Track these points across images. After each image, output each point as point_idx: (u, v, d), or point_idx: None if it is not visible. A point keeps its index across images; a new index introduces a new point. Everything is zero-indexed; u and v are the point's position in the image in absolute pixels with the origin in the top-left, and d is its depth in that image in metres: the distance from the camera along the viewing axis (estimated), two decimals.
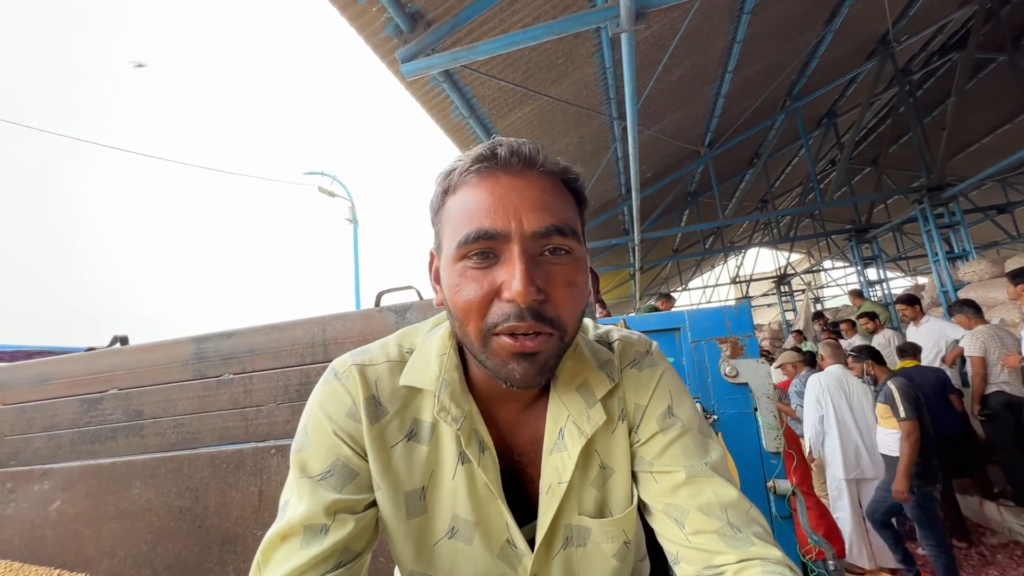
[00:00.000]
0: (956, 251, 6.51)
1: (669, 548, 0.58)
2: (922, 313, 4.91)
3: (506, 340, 0.50)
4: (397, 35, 3.13)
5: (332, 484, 0.54)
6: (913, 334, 4.90)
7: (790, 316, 12.93)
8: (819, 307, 13.35)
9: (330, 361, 1.07)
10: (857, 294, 7.05)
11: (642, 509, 0.62)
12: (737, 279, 14.52)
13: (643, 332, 1.56)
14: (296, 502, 0.53)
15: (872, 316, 5.72)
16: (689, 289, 16.18)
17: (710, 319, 1.57)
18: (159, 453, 1.18)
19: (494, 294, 0.51)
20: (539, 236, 0.51)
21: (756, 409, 1.48)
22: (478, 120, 4.19)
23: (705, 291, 16.39)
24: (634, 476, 0.62)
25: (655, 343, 0.70)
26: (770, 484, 1.44)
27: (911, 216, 6.96)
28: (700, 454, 0.59)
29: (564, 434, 0.59)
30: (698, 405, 1.50)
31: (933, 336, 4.60)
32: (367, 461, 0.57)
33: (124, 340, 1.33)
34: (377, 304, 1.14)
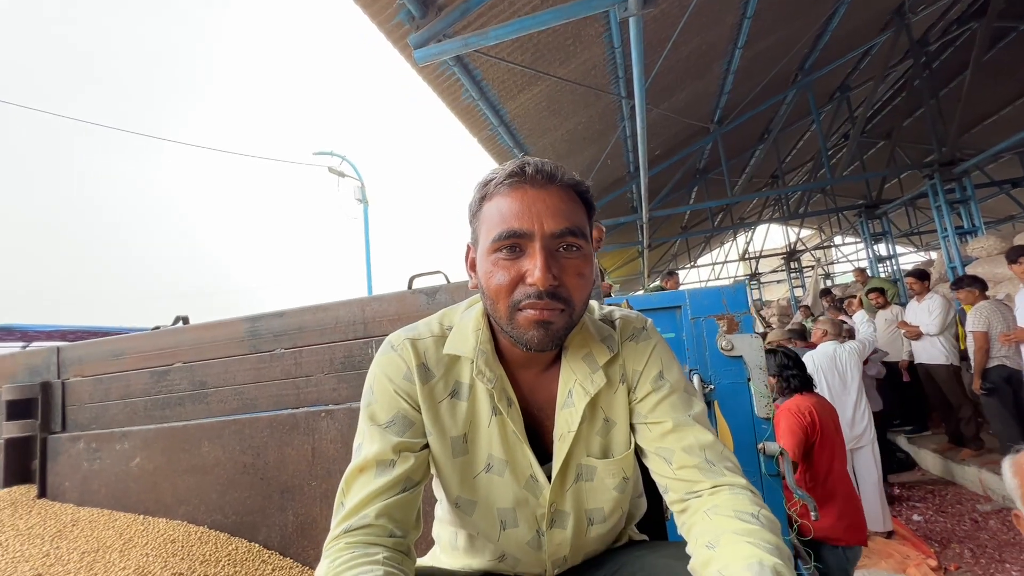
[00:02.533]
0: (967, 226, 6.51)
1: (659, 481, 0.73)
2: (928, 289, 4.99)
3: (529, 312, 0.65)
4: (409, 21, 3.21)
5: (395, 430, 0.70)
6: (914, 309, 4.99)
7: (799, 292, 12.95)
8: (829, 283, 13.34)
9: (369, 337, 1.24)
10: (861, 271, 7.09)
11: (639, 453, 0.78)
12: (746, 256, 14.49)
13: (647, 309, 1.71)
14: (368, 444, 0.70)
15: (881, 291, 5.79)
16: (698, 266, 16.16)
17: (708, 297, 1.71)
18: (223, 417, 1.36)
19: (519, 279, 0.66)
20: (556, 236, 0.66)
21: (749, 379, 1.63)
22: (488, 102, 4.26)
23: (714, 268, 16.38)
24: (632, 427, 0.77)
25: (650, 321, 0.84)
26: (760, 446, 1.60)
27: (922, 191, 6.93)
28: (685, 408, 0.74)
29: (572, 394, 0.75)
30: (696, 375, 1.65)
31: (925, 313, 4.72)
32: (420, 413, 0.73)
33: (185, 320, 1.50)
34: (409, 287, 1.29)
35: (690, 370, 1.68)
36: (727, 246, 16.36)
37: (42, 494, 1.45)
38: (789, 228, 14.07)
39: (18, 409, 1.49)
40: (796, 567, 1.62)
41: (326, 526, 0.95)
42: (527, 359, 0.76)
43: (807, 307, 8.68)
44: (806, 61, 6.86)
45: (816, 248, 13.42)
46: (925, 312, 4.83)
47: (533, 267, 0.65)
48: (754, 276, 15.36)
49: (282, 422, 1.30)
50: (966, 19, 6.75)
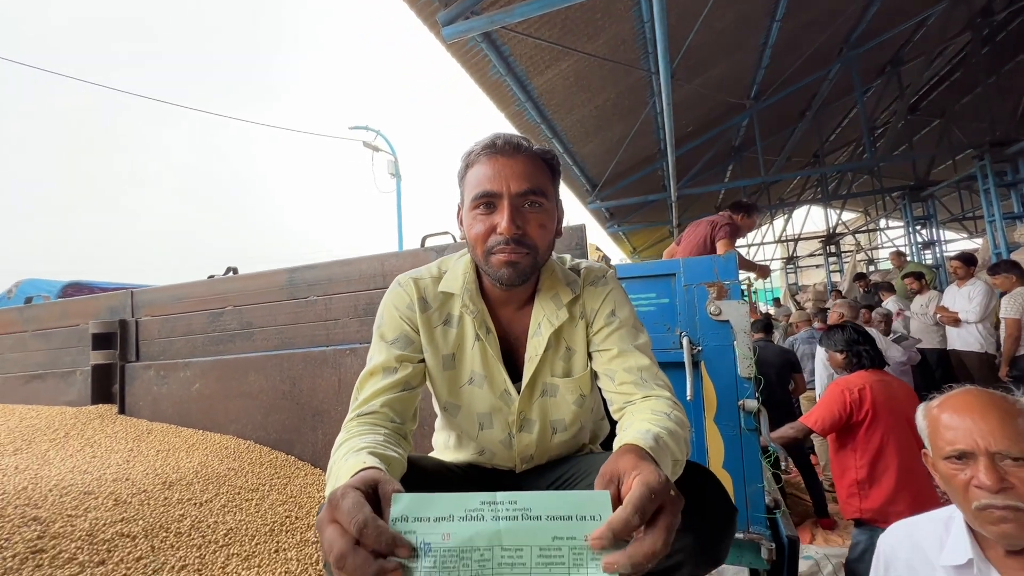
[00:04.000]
0: (1017, 211, 6.21)
1: (606, 396, 0.90)
2: (973, 275, 4.80)
3: (500, 255, 0.82)
4: None
5: (399, 346, 0.90)
6: (952, 294, 4.84)
7: (836, 278, 12.56)
8: (871, 268, 12.85)
9: (387, 287, 1.45)
10: (898, 254, 6.87)
11: (595, 376, 0.95)
12: (783, 238, 14.08)
13: (642, 276, 1.84)
14: (377, 355, 0.89)
15: (918, 276, 5.64)
16: (735, 248, 15.78)
17: (700, 266, 1.83)
18: (266, 352, 1.60)
19: (492, 230, 0.83)
20: (520, 195, 0.82)
21: (735, 341, 1.76)
22: (515, 78, 4.35)
23: (750, 250, 16.00)
24: (589, 355, 0.94)
25: (612, 270, 1.00)
26: (741, 403, 1.74)
27: (970, 173, 6.61)
28: (631, 339, 0.90)
29: (541, 326, 0.92)
30: (686, 338, 1.79)
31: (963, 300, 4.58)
32: (419, 335, 0.92)
33: (235, 270, 1.75)
34: (422, 245, 1.49)
35: (680, 332, 1.82)
36: (764, 228, 15.90)
37: (121, 411, 1.75)
38: (830, 210, 13.53)
39: (101, 341, 1.78)
40: (777, 525, 1.76)
41: None
42: (505, 297, 0.93)
43: (839, 292, 8.48)
44: (852, 34, 6.55)
45: (857, 231, 12.88)
46: (965, 298, 4.67)
47: (502, 220, 0.82)
48: (791, 260, 14.94)
49: (314, 358, 1.53)
50: None
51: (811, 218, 14.54)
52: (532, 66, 4.39)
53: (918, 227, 9.28)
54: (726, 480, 1.75)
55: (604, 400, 0.99)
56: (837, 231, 12.82)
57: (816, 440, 3.79)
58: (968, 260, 4.78)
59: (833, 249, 12.75)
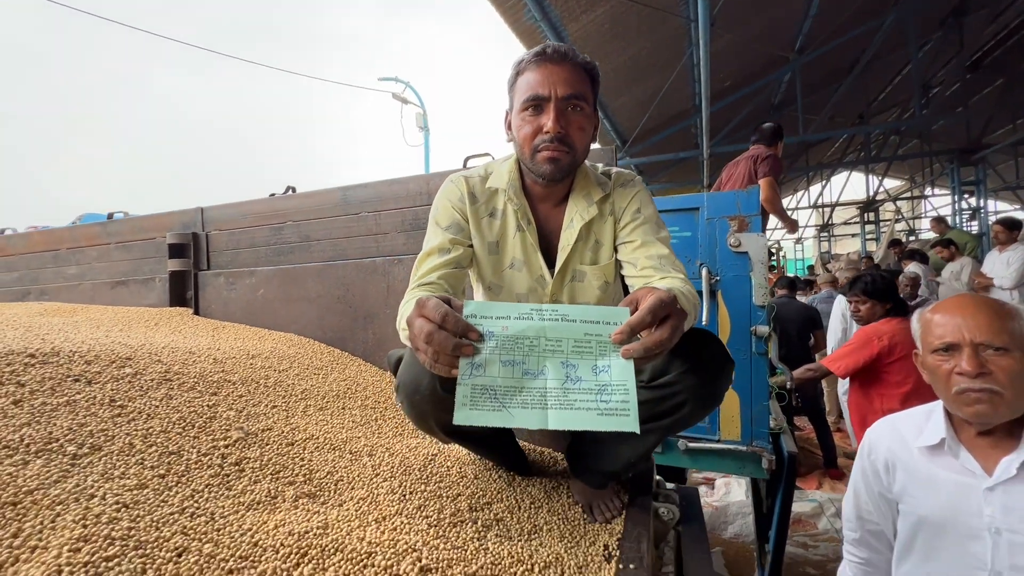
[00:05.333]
0: None
1: (628, 282, 1.05)
2: (1015, 240, 4.65)
3: (544, 152, 0.95)
4: None
5: (452, 231, 1.06)
6: (993, 260, 4.73)
7: (873, 247, 12.19)
8: (911, 238, 12.42)
9: (431, 204, 1.59)
10: (939, 220, 6.66)
11: (619, 266, 1.09)
12: (819, 204, 13.63)
13: (668, 210, 1.94)
14: (433, 238, 1.05)
15: (946, 244, 5.50)
16: (776, 188, 15.32)
17: (724, 200, 1.92)
18: (322, 262, 1.79)
19: (539, 130, 0.96)
20: (565, 99, 0.95)
21: (751, 272, 1.87)
22: (549, 23, 4.32)
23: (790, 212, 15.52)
24: (615, 248, 1.08)
25: (639, 177, 1.12)
26: (753, 328, 1.86)
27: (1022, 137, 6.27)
28: (653, 233, 1.04)
29: (573, 220, 1.06)
30: (705, 268, 1.91)
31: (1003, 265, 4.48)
32: (468, 224, 1.07)
33: (293, 189, 1.93)
34: (464, 166, 1.62)
35: (700, 263, 1.93)
36: (800, 194, 15.37)
37: (196, 312, 1.99)
38: (872, 176, 12.96)
39: (177, 251, 2.00)
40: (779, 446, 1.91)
41: (397, 342, 1.26)
42: (544, 194, 1.07)
43: (870, 258, 8.30)
44: None
45: (898, 198, 12.36)
46: (1004, 264, 4.57)
47: (548, 120, 0.94)
48: (825, 227, 14.51)
49: (365, 267, 1.71)
50: None
51: (850, 185, 13.97)
52: (567, 11, 4.34)
53: (965, 194, 8.89)
54: (735, 400, 1.90)
55: (627, 289, 1.13)
56: (877, 197, 12.34)
57: (826, 389, 3.88)
58: (1011, 224, 4.63)
59: (871, 217, 12.34)
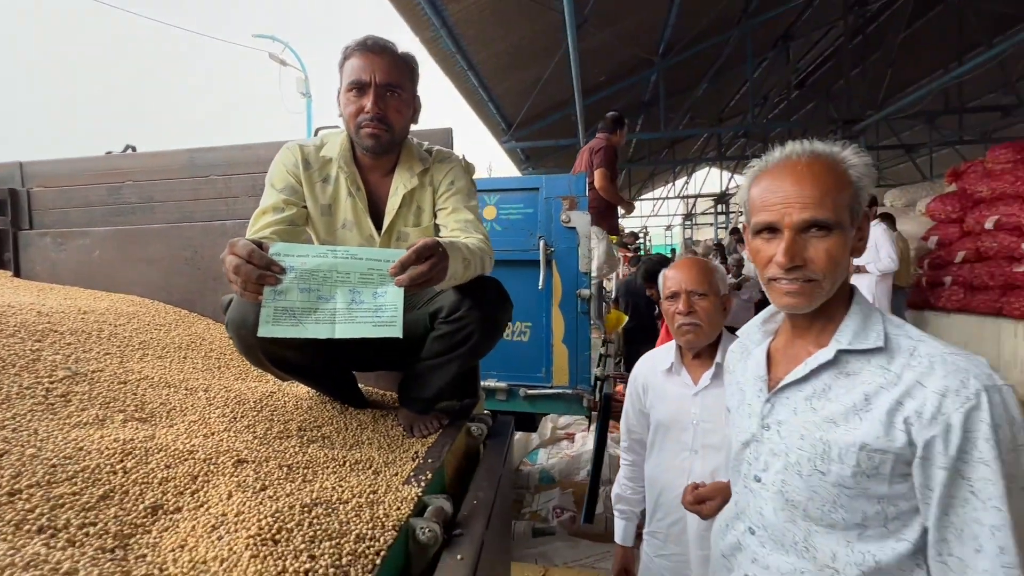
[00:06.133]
0: None
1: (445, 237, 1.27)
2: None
3: (366, 129, 1.13)
4: None
5: (286, 192, 1.19)
6: None
7: (723, 234, 14.09)
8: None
9: None
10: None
11: (437, 230, 1.30)
12: (683, 195, 15.32)
13: (512, 189, 2.22)
14: (268, 198, 1.18)
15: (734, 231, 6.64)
16: (640, 199, 16.86)
17: (559, 183, 2.25)
18: (168, 224, 1.79)
19: (361, 110, 1.13)
20: (383, 86, 1.12)
21: (578, 245, 2.23)
22: (430, 1, 4.39)
23: (655, 204, 17.21)
24: (435, 214, 1.30)
25: (457, 155, 1.35)
26: (578, 292, 2.23)
27: None
28: (464, 202, 1.27)
29: (398, 188, 1.25)
30: (543, 240, 2.22)
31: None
32: (302, 187, 1.21)
33: (133, 148, 1.86)
34: (315, 135, 1.72)
35: (539, 237, 2.24)
36: (669, 186, 17.10)
37: (16, 275, 1.85)
38: (725, 172, 14.84)
39: None
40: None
41: None
42: (373, 164, 1.25)
43: (720, 244, 9.66)
44: (751, 3, 7.16)
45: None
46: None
47: (368, 103, 1.12)
48: (689, 216, 16.35)
49: (214, 229, 1.75)
50: None
51: (710, 178, 15.84)
52: None
53: None
54: (563, 352, 2.26)
55: None
56: (728, 191, 14.21)
57: None
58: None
59: (722, 208, 14.19)
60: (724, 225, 14.45)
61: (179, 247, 1.77)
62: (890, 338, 0.74)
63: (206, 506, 0.75)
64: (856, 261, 5.02)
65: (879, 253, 4.33)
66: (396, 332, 0.84)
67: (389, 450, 1.14)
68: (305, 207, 1.22)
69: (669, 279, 1.31)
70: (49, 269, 1.84)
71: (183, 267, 1.77)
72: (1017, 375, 4.16)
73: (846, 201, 0.72)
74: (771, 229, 0.75)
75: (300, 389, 1.32)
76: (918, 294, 5.41)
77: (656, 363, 1.38)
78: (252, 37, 10.22)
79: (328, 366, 1.23)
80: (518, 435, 3.74)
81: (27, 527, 0.63)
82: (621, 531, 1.44)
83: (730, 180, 14.44)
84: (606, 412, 2.29)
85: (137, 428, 0.91)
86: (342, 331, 0.82)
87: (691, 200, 15.76)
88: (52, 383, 0.97)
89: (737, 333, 0.99)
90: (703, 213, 16.87)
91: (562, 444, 4.42)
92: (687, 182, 15.61)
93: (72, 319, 1.29)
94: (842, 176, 0.73)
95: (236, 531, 0.68)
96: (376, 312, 0.84)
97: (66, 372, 1.01)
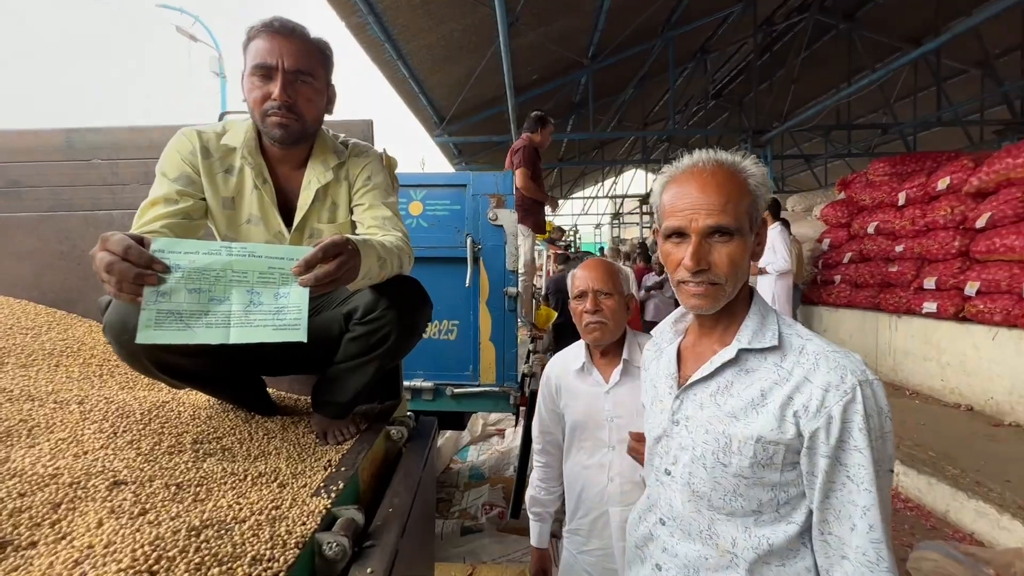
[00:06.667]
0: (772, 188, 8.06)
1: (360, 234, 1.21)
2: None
3: (273, 118, 1.05)
4: None
5: (180, 183, 1.08)
6: None
7: (648, 233, 14.81)
8: None
9: None
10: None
11: (354, 226, 1.24)
12: (611, 195, 15.93)
13: (440, 185, 2.17)
14: (159, 189, 1.06)
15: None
16: (571, 198, 17.30)
17: (487, 180, 2.24)
18: (39, 212, 1.57)
19: (268, 96, 1.05)
20: (293, 72, 1.04)
21: (505, 243, 2.23)
22: None
23: (585, 203, 17.74)
24: (351, 210, 1.23)
25: (375, 149, 1.29)
26: (505, 290, 2.24)
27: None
28: (381, 198, 1.22)
29: (311, 183, 1.18)
30: (470, 238, 2.20)
31: None
32: (200, 177, 1.10)
33: None
34: (219, 119, 1.58)
35: (466, 234, 2.22)
36: (598, 186, 17.68)
37: None
38: (650, 174, 15.59)
39: None
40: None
41: None
42: (282, 156, 1.16)
43: (644, 242, 10.13)
44: (673, 15, 7.54)
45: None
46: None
47: (275, 88, 1.03)
48: (617, 215, 17.01)
49: (99, 220, 1.55)
50: (803, 8, 7.90)
51: (637, 180, 16.55)
52: None
53: None
54: (491, 350, 2.26)
55: None
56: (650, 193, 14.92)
57: None
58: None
59: (647, 208, 14.90)
60: (649, 224, 15.21)
61: (53, 239, 1.56)
62: (783, 337, 0.80)
63: (68, 538, 0.65)
64: (759, 264, 5.42)
65: (775, 255, 4.66)
66: (300, 336, 0.78)
67: (299, 460, 1.07)
68: (203, 199, 1.11)
69: (577, 279, 1.34)
70: None
71: (58, 262, 1.56)
72: (889, 362, 4.74)
73: (745, 208, 0.77)
74: (679, 234, 0.78)
75: (199, 397, 1.20)
76: (813, 291, 5.99)
77: (567, 364, 1.40)
78: (156, 6, 9.29)
79: (232, 372, 1.13)
80: (448, 434, 3.70)
81: None
82: (537, 533, 1.45)
83: (654, 182, 15.18)
84: (530, 409, 2.31)
85: None
86: (238, 335, 0.75)
87: (618, 200, 16.42)
88: None
89: (651, 332, 1.03)
90: (630, 213, 17.64)
91: (492, 440, 4.44)
92: (615, 182, 16.23)
93: None
94: (742, 185, 0.78)
95: (104, 565, 0.60)
96: (277, 314, 0.77)
97: None
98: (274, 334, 0.77)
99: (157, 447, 0.94)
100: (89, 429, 0.93)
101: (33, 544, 0.64)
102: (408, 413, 1.54)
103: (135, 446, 0.92)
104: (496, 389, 2.24)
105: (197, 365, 1.02)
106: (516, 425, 4.08)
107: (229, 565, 0.66)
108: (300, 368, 1.30)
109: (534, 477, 1.47)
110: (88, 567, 0.60)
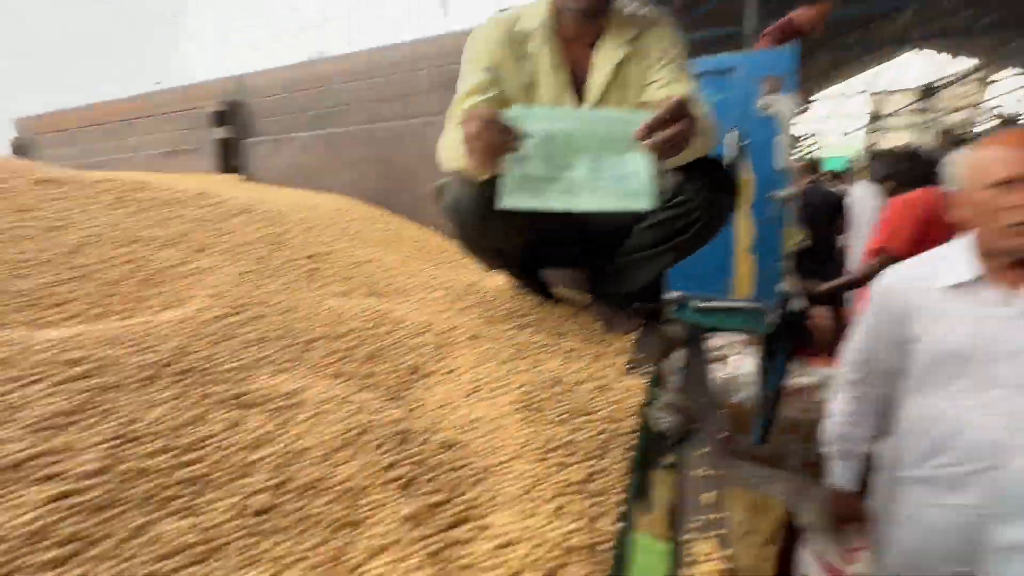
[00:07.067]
0: None
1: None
2: None
3: None
4: None
5: (491, 72, 1.12)
6: None
7: (923, 138, 11.32)
8: (971, 130, 11.44)
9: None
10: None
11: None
12: (874, 91, 12.49)
13: (706, 72, 1.90)
14: (471, 78, 1.12)
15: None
16: (814, 100, 14.17)
17: (762, 60, 1.87)
18: (359, 126, 1.87)
19: None
20: None
21: (778, 137, 1.88)
22: None
23: (839, 100, 14.37)
24: (642, 88, 1.13)
25: (669, 18, 1.14)
26: (774, 194, 1.92)
27: None
28: (680, 74, 1.08)
29: (605, 61, 1.10)
30: (736, 131, 1.91)
31: None
32: (506, 64, 1.13)
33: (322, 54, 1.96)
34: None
35: (731, 129, 1.93)
36: (852, 80, 13.99)
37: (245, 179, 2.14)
38: (942, 53, 11.58)
39: (220, 119, 2.11)
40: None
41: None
42: (578, 33, 1.11)
43: (916, 152, 7.79)
44: None
45: (965, 78, 11.04)
46: None
47: None
48: (876, 118, 13.43)
49: (400, 129, 1.79)
50: None
51: (911, 68, 12.62)
52: None
53: None
54: (750, 261, 2.01)
55: None
56: (934, 84, 11.18)
57: None
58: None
59: (926, 106, 11.33)
60: (929, 125, 11.55)
61: (369, 149, 1.86)
62: None
63: (456, 372, 0.78)
64: None
65: None
66: (647, 203, 0.74)
67: (595, 342, 1.10)
68: (503, 90, 1.15)
69: (1001, 161, 0.92)
70: (268, 173, 2.09)
71: (376, 165, 1.87)
72: None
73: None
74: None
75: (499, 281, 1.33)
76: None
77: (929, 277, 1.04)
78: None
79: (533, 257, 1.21)
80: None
81: (322, 372, 0.70)
82: (840, 471, 1.22)
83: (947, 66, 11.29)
84: (795, 333, 2.04)
85: (378, 302, 0.98)
86: (586, 203, 0.75)
87: (883, 97, 12.77)
88: (299, 260, 1.09)
89: None
90: (896, 113, 13.63)
91: (713, 366, 4.21)
92: (876, 74, 12.62)
93: (302, 210, 1.45)
94: None
95: (493, 396, 0.69)
96: (621, 181, 0.75)
97: (310, 252, 1.13)
98: (619, 202, 0.74)
99: (485, 313, 1.06)
100: (435, 295, 1.10)
101: (431, 373, 0.78)
102: None
103: (469, 312, 1.05)
104: (750, 305, 2.01)
105: (512, 245, 1.10)
106: (743, 352, 3.76)
107: (588, 417, 0.70)
108: (579, 261, 1.33)
109: (839, 409, 1.23)
110: (484, 395, 0.70)
